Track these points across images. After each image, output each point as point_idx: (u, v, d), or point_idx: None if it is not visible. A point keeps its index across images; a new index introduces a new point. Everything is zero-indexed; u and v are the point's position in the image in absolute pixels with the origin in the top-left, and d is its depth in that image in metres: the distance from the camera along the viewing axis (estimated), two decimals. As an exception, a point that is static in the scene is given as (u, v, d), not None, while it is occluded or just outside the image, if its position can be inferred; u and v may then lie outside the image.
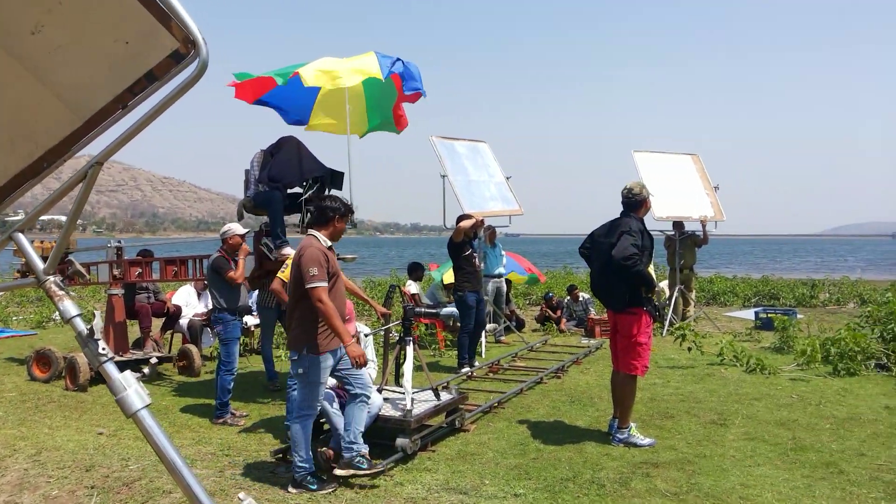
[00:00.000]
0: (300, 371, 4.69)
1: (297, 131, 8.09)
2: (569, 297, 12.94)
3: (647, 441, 5.47)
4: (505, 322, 11.56)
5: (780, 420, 6.10)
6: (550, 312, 12.93)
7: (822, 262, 57.73)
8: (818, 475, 4.71)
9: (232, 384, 6.44)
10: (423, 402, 5.61)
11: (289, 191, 7.15)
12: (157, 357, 8.61)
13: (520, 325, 12.32)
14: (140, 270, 8.48)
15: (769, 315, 11.63)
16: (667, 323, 11.67)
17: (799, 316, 12.82)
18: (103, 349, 1.77)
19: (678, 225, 12.33)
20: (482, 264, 10.71)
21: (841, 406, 6.56)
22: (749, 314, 13.88)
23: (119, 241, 8.83)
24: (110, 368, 1.77)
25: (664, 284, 12.95)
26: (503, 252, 11.66)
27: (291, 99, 7.59)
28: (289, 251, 6.67)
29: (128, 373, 1.79)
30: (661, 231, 12.44)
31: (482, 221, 8.48)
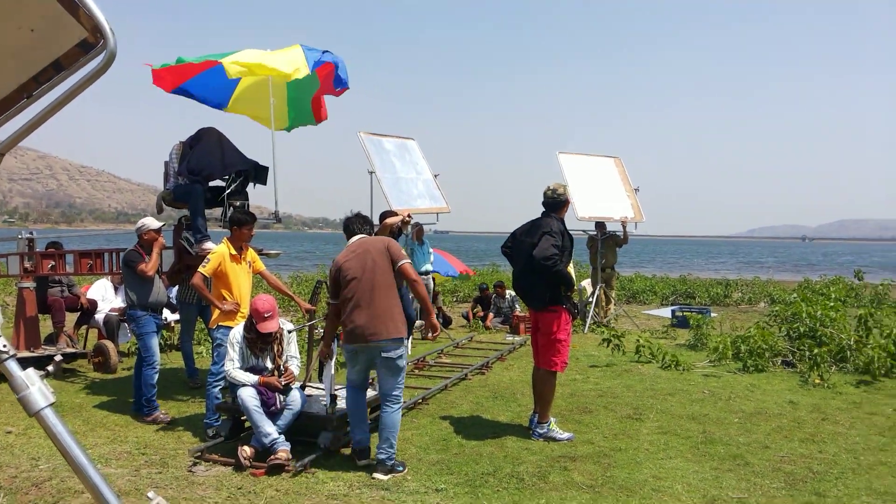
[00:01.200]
0: (401, 362, 4.93)
1: (219, 117, 7.91)
2: (495, 294, 13.09)
3: (565, 435, 5.61)
4: (431, 319, 11.60)
5: (692, 414, 6.35)
6: (480, 307, 13.08)
7: (736, 262, 60.20)
8: (725, 467, 4.93)
9: (156, 378, 6.28)
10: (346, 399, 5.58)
11: (210, 184, 6.99)
12: (64, 353, 8.27)
13: (446, 322, 12.40)
14: (53, 263, 8.14)
15: (685, 313, 12.05)
16: (588, 320, 11.96)
17: (713, 314, 13.34)
18: (4, 346, 1.71)
19: (600, 225, 12.63)
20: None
21: (749, 401, 6.87)
22: (666, 312, 14.34)
23: (31, 233, 8.43)
24: (11, 366, 1.71)
25: (586, 283, 13.25)
26: (431, 249, 11.71)
27: (211, 86, 7.38)
28: (210, 246, 6.51)
29: (31, 370, 1.73)
30: (583, 231, 12.72)
31: (408, 219, 8.49)
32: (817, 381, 7.59)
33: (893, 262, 69.49)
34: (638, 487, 4.53)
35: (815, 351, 8.12)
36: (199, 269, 5.80)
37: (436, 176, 11.54)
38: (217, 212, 7.13)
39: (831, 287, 14.87)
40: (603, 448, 5.36)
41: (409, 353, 9.45)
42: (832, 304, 9.59)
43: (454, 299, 17.34)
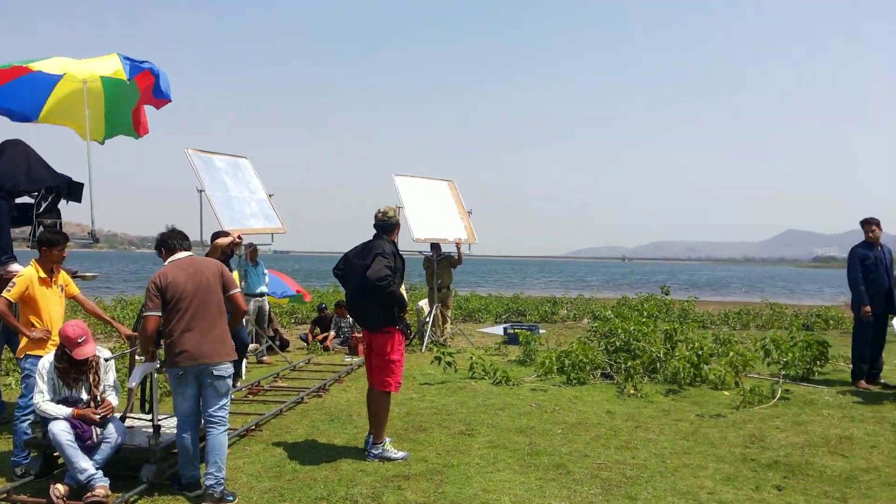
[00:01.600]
0: (229, 381, 4.95)
1: (27, 130, 7.32)
2: (336, 314, 13.00)
3: (400, 455, 5.68)
4: (267, 342, 11.34)
5: (520, 427, 6.65)
6: (319, 328, 12.93)
7: (564, 281, 63.78)
8: (549, 476, 5.21)
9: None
10: (171, 429, 5.32)
11: (18, 200, 6.44)
12: None
13: (283, 344, 12.14)
14: None
15: (516, 330, 12.57)
16: (426, 339, 12.18)
17: (541, 331, 14.07)
18: None
19: (435, 246, 12.94)
20: (243, 283, 10.45)
21: (571, 412, 7.30)
22: (499, 330, 14.90)
23: None
24: None
25: (424, 303, 13.50)
26: (265, 270, 11.45)
27: (18, 97, 6.82)
28: (16, 268, 5.97)
29: None
30: (420, 252, 12.98)
31: (239, 239, 8.26)
32: (632, 391, 8.22)
33: (700, 280, 76.56)
34: (468, 501, 4.69)
35: (630, 363, 8.79)
36: (3, 294, 5.32)
37: (270, 196, 11.34)
38: (25, 231, 6.58)
39: (644, 304, 16.14)
40: (436, 465, 5.48)
41: (244, 377, 9.17)
42: (644, 319, 10.43)
43: (292, 321, 17.01)
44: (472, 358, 9.33)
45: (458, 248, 12.84)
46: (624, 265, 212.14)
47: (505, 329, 13.94)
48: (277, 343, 11.74)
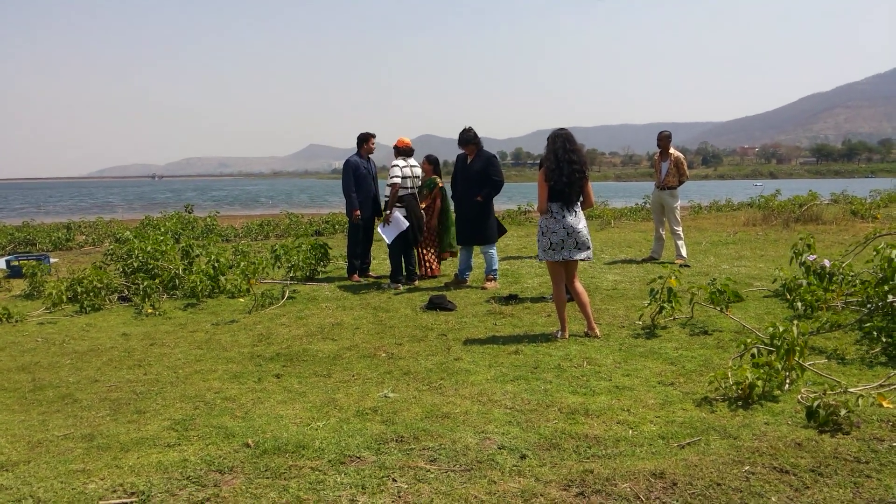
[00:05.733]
0: None
1: None
2: None
3: None
4: None
5: (23, 365, 6.19)
6: None
7: (90, 204, 58.61)
8: (54, 409, 5.02)
9: None
10: None
11: None
12: None
13: None
14: None
15: (20, 262, 11.34)
16: None
17: (53, 260, 12.92)
18: None
19: None
20: None
21: (84, 341, 7.03)
22: (1, 263, 13.25)
23: None
24: None
25: None
26: None
27: None
28: None
29: None
30: None
31: None
32: (150, 310, 8.23)
33: (231, 196, 77.74)
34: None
35: (147, 283, 8.74)
36: None
37: None
38: None
39: (168, 222, 15.93)
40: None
41: None
42: (162, 237, 10.39)
43: None
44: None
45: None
46: (154, 183, 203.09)
47: (7, 262, 12.43)
48: None
